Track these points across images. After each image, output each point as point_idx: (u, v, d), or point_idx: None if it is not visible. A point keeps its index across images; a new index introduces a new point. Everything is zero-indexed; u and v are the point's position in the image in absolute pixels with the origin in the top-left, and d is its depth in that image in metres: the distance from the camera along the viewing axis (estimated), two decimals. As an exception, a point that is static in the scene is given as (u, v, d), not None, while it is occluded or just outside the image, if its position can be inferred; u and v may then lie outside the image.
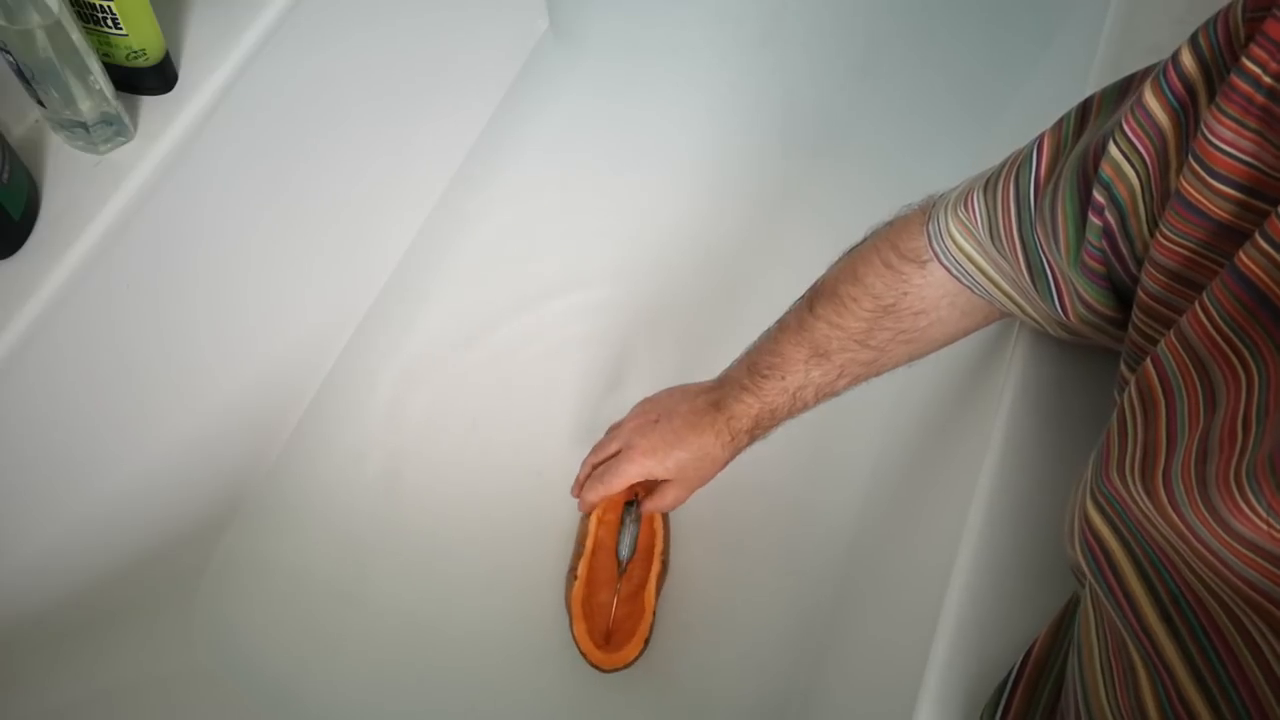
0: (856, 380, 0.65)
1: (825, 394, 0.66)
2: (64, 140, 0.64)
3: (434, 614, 0.88)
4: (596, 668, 0.82)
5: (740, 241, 1.10)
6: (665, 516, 0.87)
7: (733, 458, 0.71)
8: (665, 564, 0.86)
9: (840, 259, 0.64)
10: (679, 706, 0.84)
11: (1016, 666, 0.46)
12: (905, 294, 0.58)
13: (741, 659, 0.85)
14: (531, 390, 1.00)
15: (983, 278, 0.54)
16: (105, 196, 0.63)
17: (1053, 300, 0.49)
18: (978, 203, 0.51)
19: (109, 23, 0.61)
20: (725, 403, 0.69)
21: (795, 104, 1.20)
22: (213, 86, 0.69)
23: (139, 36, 0.63)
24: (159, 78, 0.67)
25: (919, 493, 0.74)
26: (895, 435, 0.90)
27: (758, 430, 0.69)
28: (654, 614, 0.84)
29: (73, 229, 0.62)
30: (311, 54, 0.80)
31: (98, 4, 0.60)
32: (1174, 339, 0.37)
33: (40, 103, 0.61)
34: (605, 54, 1.24)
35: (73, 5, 0.59)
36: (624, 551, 0.85)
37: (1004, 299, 0.54)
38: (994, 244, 0.51)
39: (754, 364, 0.68)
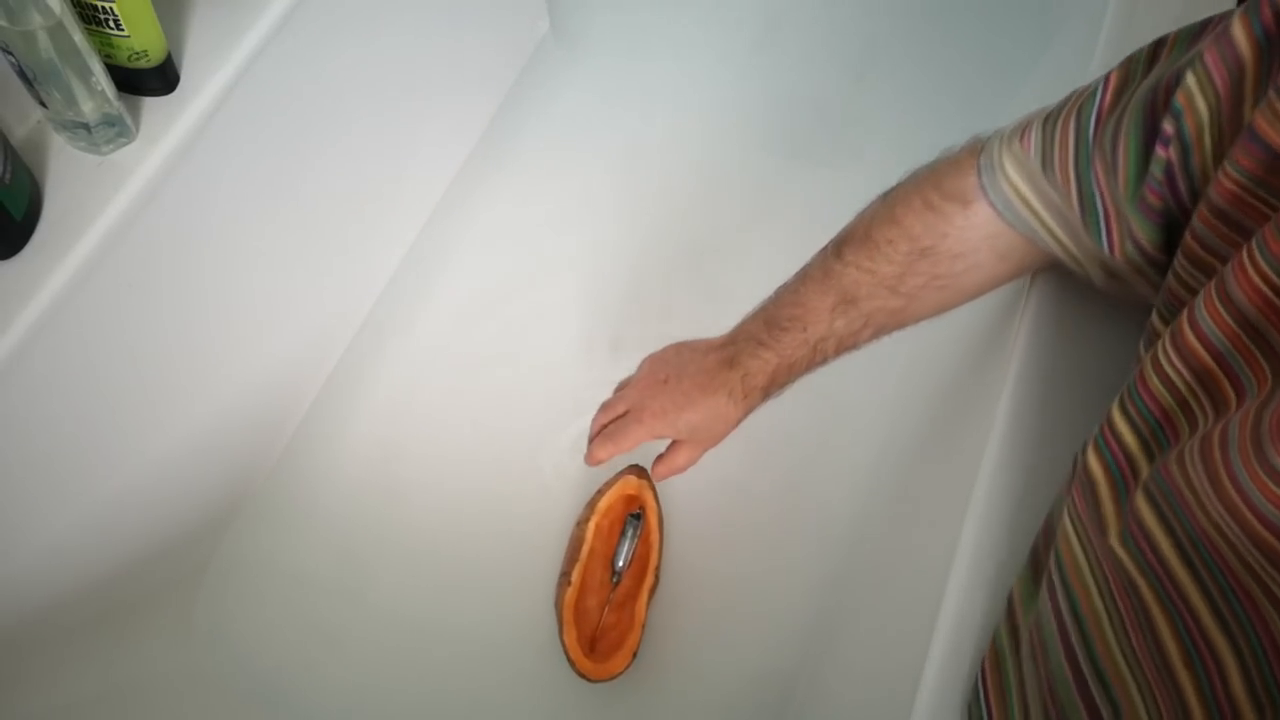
0: (880, 332, 0.63)
1: (846, 346, 0.64)
2: (66, 141, 0.65)
3: (434, 614, 0.88)
4: (584, 677, 0.81)
5: (741, 241, 1.10)
6: (661, 529, 0.87)
7: (746, 415, 0.69)
8: (657, 577, 0.86)
9: (870, 205, 0.62)
10: (668, 714, 0.84)
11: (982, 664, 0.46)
12: (945, 235, 0.56)
13: (732, 670, 0.85)
14: (532, 390, 1.00)
15: (1028, 213, 0.53)
16: (107, 197, 0.63)
17: (1100, 236, 0.48)
18: (1034, 136, 0.50)
19: (111, 24, 0.61)
20: (739, 359, 0.66)
21: (795, 104, 1.20)
22: (214, 88, 0.69)
23: (141, 37, 0.63)
24: (161, 79, 0.67)
25: (916, 493, 0.74)
26: (890, 436, 0.90)
27: (773, 387, 0.66)
28: (643, 626, 0.84)
29: (75, 230, 0.62)
30: (313, 55, 0.80)
31: (100, 5, 0.60)
32: (1219, 306, 0.36)
33: (42, 104, 0.61)
34: (605, 55, 1.24)
35: (75, 6, 0.59)
36: (620, 562, 0.84)
37: (1047, 237, 0.53)
38: (1046, 176, 0.50)
39: (772, 317, 0.65)
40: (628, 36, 1.25)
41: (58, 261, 0.61)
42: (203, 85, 0.68)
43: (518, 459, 0.96)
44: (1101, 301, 0.58)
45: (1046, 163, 0.50)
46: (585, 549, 0.84)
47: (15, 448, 0.65)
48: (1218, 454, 0.33)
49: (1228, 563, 0.33)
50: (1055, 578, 0.41)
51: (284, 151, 0.81)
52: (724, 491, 0.86)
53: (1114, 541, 0.38)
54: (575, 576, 0.84)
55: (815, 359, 0.64)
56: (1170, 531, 0.35)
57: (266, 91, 0.74)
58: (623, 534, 0.85)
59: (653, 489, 0.87)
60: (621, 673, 0.82)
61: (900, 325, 0.62)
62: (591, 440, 0.73)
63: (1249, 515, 0.32)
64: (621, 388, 0.76)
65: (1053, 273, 0.61)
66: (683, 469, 0.73)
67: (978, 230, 0.56)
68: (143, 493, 0.79)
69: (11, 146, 0.60)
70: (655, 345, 0.74)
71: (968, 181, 0.55)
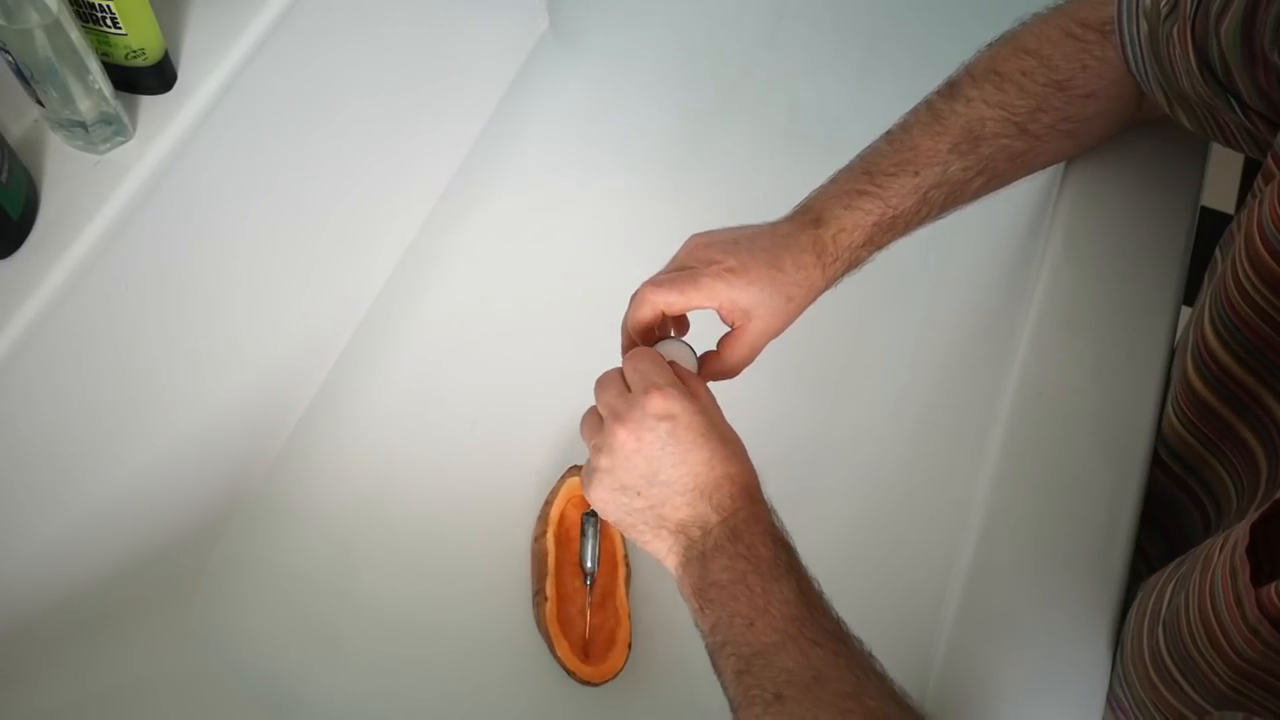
0: (991, 184, 0.57)
1: (953, 201, 0.57)
2: (63, 140, 0.64)
3: (432, 615, 0.88)
4: (586, 683, 0.81)
5: (740, 242, 1.09)
6: None
7: (827, 287, 0.57)
8: (629, 566, 0.86)
9: (980, 53, 0.58)
10: (675, 705, 0.84)
11: None
12: (1084, 67, 0.53)
13: None
14: (531, 390, 1.00)
15: (1141, 66, 0.51)
16: (104, 196, 0.63)
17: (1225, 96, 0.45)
18: None
19: (108, 22, 0.61)
20: (828, 215, 0.55)
21: (797, 104, 1.20)
22: (212, 86, 0.69)
23: (138, 36, 0.63)
24: (158, 77, 0.67)
25: (921, 469, 0.74)
26: (900, 403, 0.90)
27: (866, 249, 0.56)
28: (630, 617, 0.84)
29: (71, 229, 0.62)
30: (310, 54, 0.80)
31: (97, 3, 0.60)
32: None
33: (39, 102, 0.61)
34: (605, 54, 1.24)
35: (72, 4, 0.59)
36: (589, 563, 0.84)
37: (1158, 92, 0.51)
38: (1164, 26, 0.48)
39: (871, 168, 0.56)
40: (628, 34, 1.25)
41: (54, 260, 0.61)
42: (200, 84, 0.68)
43: (516, 460, 0.96)
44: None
45: (1174, 10, 0.47)
46: (551, 561, 0.84)
47: (11, 448, 0.64)
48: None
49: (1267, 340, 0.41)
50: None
51: (281, 150, 0.81)
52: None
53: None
54: (549, 590, 0.83)
55: (922, 212, 0.56)
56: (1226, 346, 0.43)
57: (264, 90, 0.74)
58: (583, 535, 0.85)
59: None
60: (622, 668, 0.82)
61: (1013, 177, 0.57)
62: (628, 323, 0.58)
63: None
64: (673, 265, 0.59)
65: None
66: (739, 368, 0.57)
67: (1111, 66, 0.53)
68: (139, 494, 0.79)
69: (8, 145, 0.59)
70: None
71: (1107, 11, 0.52)
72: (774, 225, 0.57)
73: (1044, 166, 0.59)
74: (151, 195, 0.66)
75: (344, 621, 0.88)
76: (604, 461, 0.50)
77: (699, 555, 0.47)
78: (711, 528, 0.47)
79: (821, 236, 0.55)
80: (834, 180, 0.57)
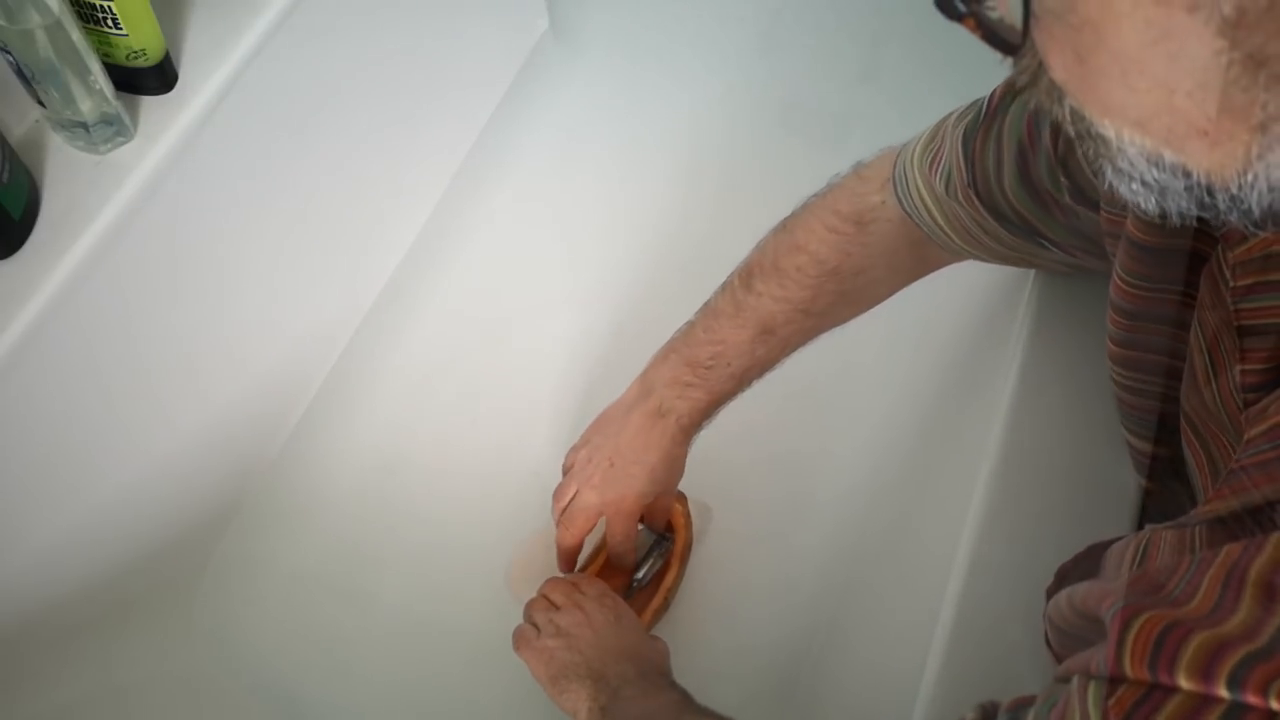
0: (797, 349, 0.68)
1: (768, 369, 0.68)
2: (64, 140, 0.65)
3: (434, 614, 0.88)
4: None
5: (741, 244, 1.09)
6: (685, 560, 0.84)
7: (689, 446, 0.73)
8: (667, 602, 0.83)
9: (767, 238, 0.67)
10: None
11: None
12: (849, 254, 0.61)
13: (734, 662, 0.85)
14: (531, 390, 1.00)
15: (934, 225, 0.57)
16: (106, 196, 0.63)
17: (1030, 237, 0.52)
18: (940, 164, 0.55)
19: (109, 23, 0.61)
20: (667, 405, 0.70)
21: (796, 104, 1.20)
22: (213, 87, 0.69)
23: (139, 37, 0.63)
24: (159, 78, 0.67)
25: (917, 490, 0.74)
26: (890, 432, 0.90)
27: (705, 420, 0.71)
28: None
29: (73, 229, 0.62)
30: (311, 54, 0.80)
31: (98, 4, 0.60)
32: (1116, 315, 0.42)
33: (40, 103, 0.61)
34: (605, 54, 1.24)
35: (73, 5, 0.59)
36: (638, 574, 0.82)
37: (947, 242, 0.58)
38: (949, 195, 0.54)
39: (693, 359, 0.69)
40: (628, 35, 1.25)
41: (56, 261, 0.61)
42: (201, 84, 0.68)
43: (517, 459, 0.96)
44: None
45: (949, 186, 0.54)
46: (604, 555, 0.82)
47: (14, 447, 0.65)
48: None
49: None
50: None
51: (282, 151, 0.81)
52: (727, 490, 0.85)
53: None
54: (591, 572, 0.81)
55: (741, 387, 0.69)
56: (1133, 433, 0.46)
57: (264, 91, 0.74)
58: (649, 551, 0.83)
59: (687, 516, 0.84)
60: None
61: (814, 338, 0.67)
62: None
63: None
64: (568, 467, 0.78)
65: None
66: (667, 514, 0.80)
67: (874, 247, 0.61)
68: (142, 492, 0.79)
69: (10, 146, 0.60)
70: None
71: (862, 204, 0.61)
72: (628, 417, 0.71)
73: (837, 325, 0.68)
74: (153, 196, 0.66)
75: (346, 620, 0.88)
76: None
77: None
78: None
79: (668, 425, 0.70)
80: (664, 361, 0.71)
